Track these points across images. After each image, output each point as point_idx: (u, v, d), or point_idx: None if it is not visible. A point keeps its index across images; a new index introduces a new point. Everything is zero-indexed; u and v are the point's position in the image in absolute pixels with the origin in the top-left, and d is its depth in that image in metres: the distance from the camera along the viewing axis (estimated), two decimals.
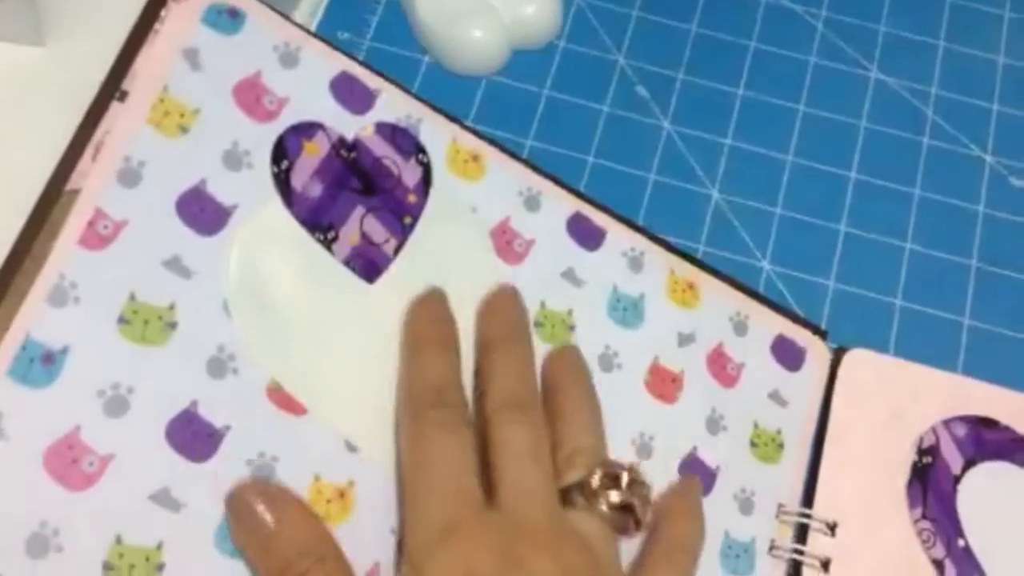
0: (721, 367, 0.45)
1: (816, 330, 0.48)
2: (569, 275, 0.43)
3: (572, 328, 0.42)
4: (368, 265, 0.38)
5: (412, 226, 0.39)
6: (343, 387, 0.37)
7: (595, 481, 0.35)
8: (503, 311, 0.39)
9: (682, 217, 0.51)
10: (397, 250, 0.39)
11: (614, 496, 0.35)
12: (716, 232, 0.51)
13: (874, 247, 0.51)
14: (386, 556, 0.36)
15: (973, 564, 0.43)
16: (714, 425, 0.43)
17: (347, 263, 0.38)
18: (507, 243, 0.41)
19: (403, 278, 0.39)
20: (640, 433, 0.42)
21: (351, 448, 0.36)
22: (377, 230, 0.39)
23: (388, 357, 0.38)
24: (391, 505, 0.36)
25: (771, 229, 0.51)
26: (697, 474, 0.42)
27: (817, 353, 0.47)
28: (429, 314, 0.37)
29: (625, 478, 0.35)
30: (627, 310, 0.43)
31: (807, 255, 0.51)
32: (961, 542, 0.44)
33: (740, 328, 0.46)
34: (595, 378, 0.41)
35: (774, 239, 0.51)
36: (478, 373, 0.37)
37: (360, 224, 0.38)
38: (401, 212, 0.39)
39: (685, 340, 0.44)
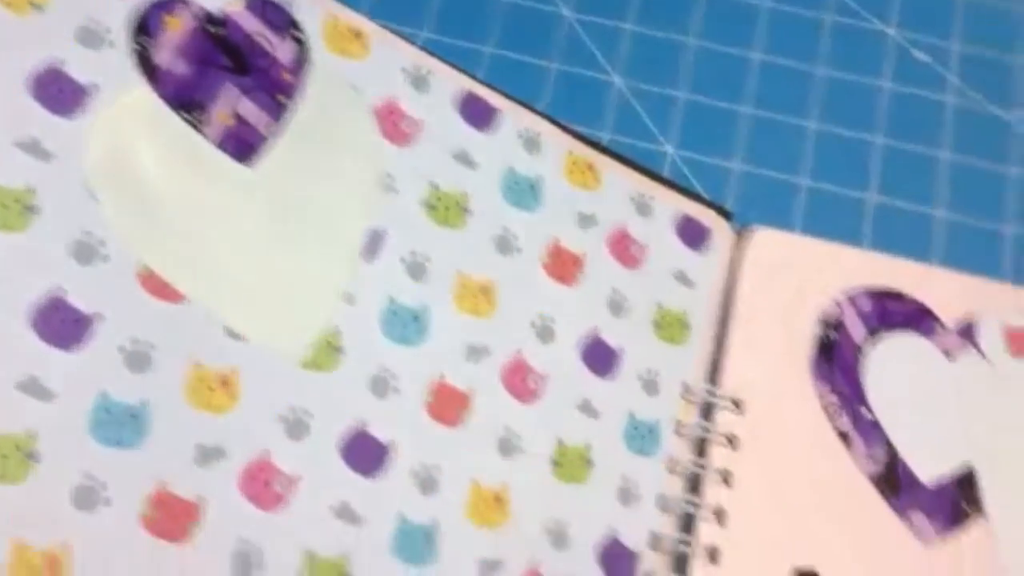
0: (623, 249, 0.44)
1: (721, 211, 0.47)
2: (462, 156, 0.41)
3: (467, 211, 0.41)
4: (242, 146, 0.36)
5: (289, 105, 0.38)
6: (223, 272, 0.35)
7: None
8: None
9: (585, 105, 0.50)
10: (273, 131, 0.37)
11: None
12: (620, 119, 0.50)
13: (778, 127, 0.50)
14: (275, 444, 0.35)
15: (879, 434, 0.43)
16: (617, 307, 0.43)
17: (220, 144, 0.36)
18: (394, 124, 0.40)
19: (282, 159, 0.37)
20: (540, 315, 0.41)
21: (233, 335, 0.35)
22: (251, 110, 0.37)
23: (271, 241, 0.36)
24: (280, 391, 0.35)
25: (675, 114, 0.50)
26: (600, 356, 0.42)
27: (722, 233, 0.46)
28: None
29: None
30: (524, 192, 0.42)
31: (712, 138, 0.50)
32: (867, 413, 0.44)
33: (643, 209, 0.45)
34: (492, 261, 0.40)
35: (678, 124, 0.50)
36: None
37: (232, 104, 0.37)
38: (276, 91, 0.38)
39: (586, 222, 0.43)
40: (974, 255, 0.48)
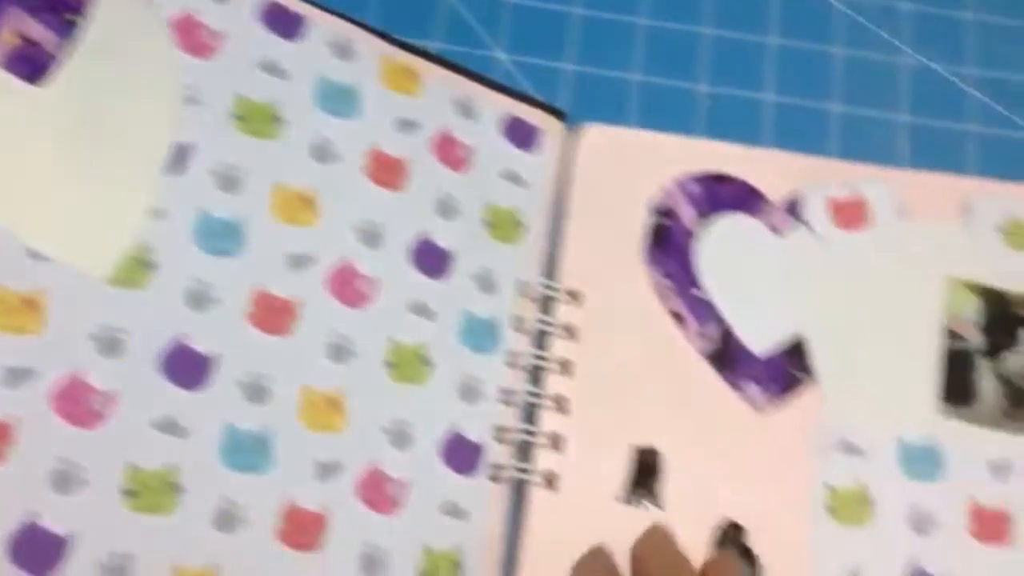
0: (450, 152, 0.44)
1: (552, 110, 0.47)
2: (270, 67, 0.41)
3: (280, 120, 0.40)
4: (31, 66, 0.36)
5: (78, 23, 0.37)
6: (20, 194, 0.35)
7: None
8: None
9: (413, 16, 0.49)
10: (64, 50, 0.36)
11: None
12: (449, 27, 0.50)
13: (608, 26, 0.51)
14: (89, 363, 0.35)
15: (710, 311, 0.44)
16: (446, 209, 0.43)
17: (7, 66, 0.35)
18: (194, 36, 0.39)
19: (75, 78, 0.36)
20: (365, 221, 0.41)
21: (36, 256, 0.34)
22: (38, 30, 0.36)
23: (69, 160, 0.36)
24: (90, 310, 0.35)
25: (504, 19, 0.50)
26: (431, 258, 0.42)
27: (554, 132, 0.47)
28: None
29: None
30: (340, 99, 0.42)
31: (543, 41, 0.50)
32: (698, 292, 0.45)
33: (468, 113, 0.45)
34: (310, 169, 0.41)
35: (508, 29, 0.50)
36: None
37: (17, 25, 0.36)
38: (64, 10, 0.37)
39: (408, 127, 0.43)
40: (804, 135, 0.49)
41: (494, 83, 0.47)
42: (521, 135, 0.46)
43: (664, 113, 0.49)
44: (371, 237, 0.41)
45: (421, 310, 0.42)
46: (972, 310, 0.44)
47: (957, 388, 0.43)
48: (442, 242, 0.43)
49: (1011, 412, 0.42)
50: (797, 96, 0.50)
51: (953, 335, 0.44)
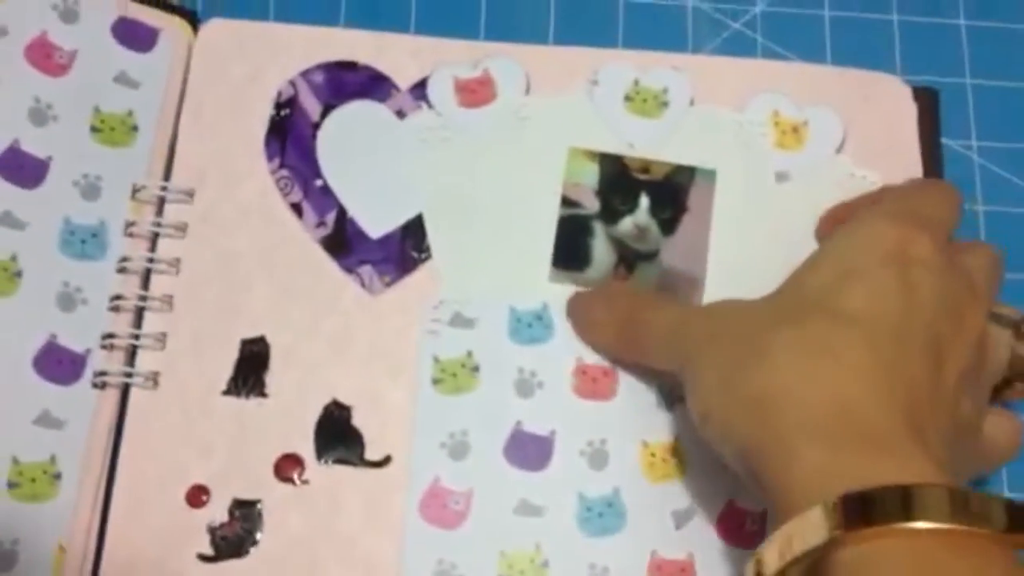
0: (45, 57, 0.42)
1: (173, 9, 0.46)
2: None
3: None
4: None
5: None
6: None
7: None
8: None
9: None
10: None
11: None
12: None
13: None
14: None
15: (330, 201, 0.44)
16: (40, 116, 0.42)
17: None
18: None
19: None
20: None
21: None
22: None
23: None
24: None
25: None
26: (19, 167, 0.41)
27: (174, 31, 0.45)
28: None
29: None
30: None
31: None
32: (319, 182, 0.44)
33: (69, 16, 0.43)
34: None
35: None
36: None
37: None
38: None
39: None
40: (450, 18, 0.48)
41: None
42: (134, 37, 0.45)
43: (302, 5, 0.48)
44: None
45: (9, 221, 0.40)
46: (590, 176, 0.44)
47: (570, 253, 0.43)
48: (34, 150, 0.41)
49: (622, 272, 0.43)
50: None
51: (569, 202, 0.44)
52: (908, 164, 0.44)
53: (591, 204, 0.44)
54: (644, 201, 0.43)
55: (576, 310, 0.42)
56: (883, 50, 0.49)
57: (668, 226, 0.43)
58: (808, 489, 0.28)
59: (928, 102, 0.46)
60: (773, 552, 0.28)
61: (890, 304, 0.32)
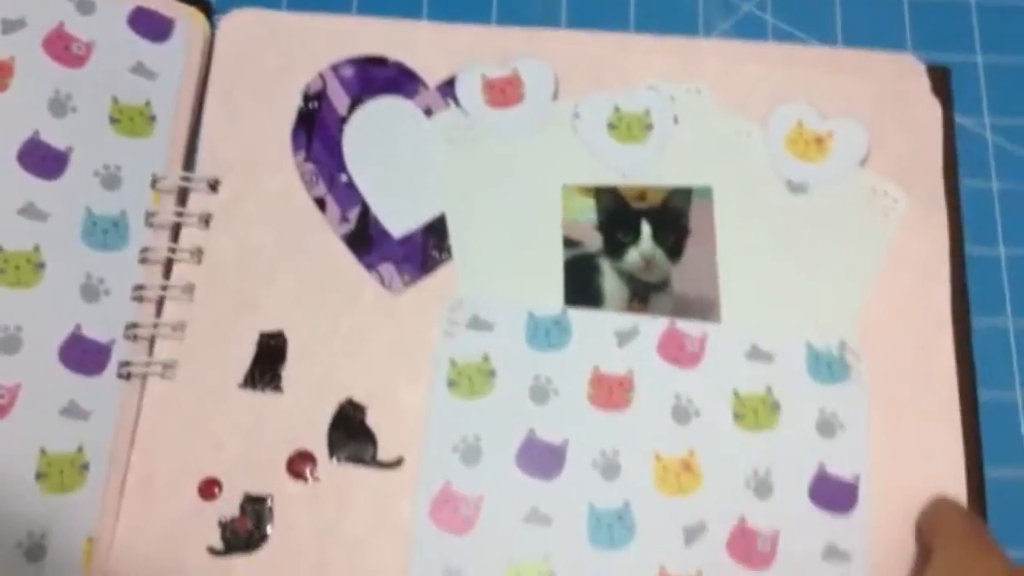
0: (63, 48, 0.42)
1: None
2: None
3: None
4: None
5: None
6: None
7: None
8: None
9: None
10: None
11: None
12: None
13: None
14: None
15: (354, 196, 0.44)
16: (59, 107, 0.42)
17: None
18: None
19: None
20: None
21: None
22: None
23: None
24: None
25: None
26: (40, 160, 0.41)
27: (190, 21, 0.45)
28: None
29: None
30: None
31: None
32: (344, 177, 0.44)
33: (85, 6, 0.43)
34: None
35: None
36: None
37: None
38: None
39: (12, 26, 0.42)
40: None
41: None
42: (149, 27, 0.44)
43: None
44: None
45: (31, 212, 0.40)
46: (588, 212, 0.43)
47: (581, 294, 0.42)
48: (54, 141, 0.41)
49: (636, 306, 0.42)
50: None
51: (571, 242, 0.43)
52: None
53: (593, 241, 0.43)
54: (646, 229, 0.42)
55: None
56: (894, 29, 0.48)
57: (674, 252, 0.42)
58: None
59: (940, 81, 0.45)
60: None
61: None
